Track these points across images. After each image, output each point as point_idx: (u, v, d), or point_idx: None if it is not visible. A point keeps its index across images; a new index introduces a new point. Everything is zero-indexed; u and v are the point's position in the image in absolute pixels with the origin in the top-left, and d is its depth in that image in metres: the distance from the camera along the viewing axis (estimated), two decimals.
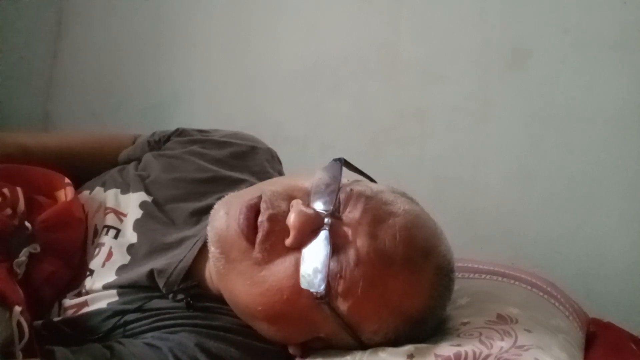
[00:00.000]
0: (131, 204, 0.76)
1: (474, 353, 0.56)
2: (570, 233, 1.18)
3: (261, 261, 0.59)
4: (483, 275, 0.79)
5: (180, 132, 0.91)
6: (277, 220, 0.59)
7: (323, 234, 0.57)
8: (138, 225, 0.74)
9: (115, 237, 0.73)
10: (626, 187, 1.15)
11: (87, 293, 0.68)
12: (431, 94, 1.28)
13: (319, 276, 0.56)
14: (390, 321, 0.59)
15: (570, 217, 1.18)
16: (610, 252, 1.15)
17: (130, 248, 0.72)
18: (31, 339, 0.55)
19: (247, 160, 0.86)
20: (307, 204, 0.60)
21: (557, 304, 0.74)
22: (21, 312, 0.55)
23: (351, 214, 0.59)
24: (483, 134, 1.25)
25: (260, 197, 0.61)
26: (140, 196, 0.77)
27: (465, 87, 1.26)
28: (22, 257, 0.64)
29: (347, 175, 0.64)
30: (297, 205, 0.59)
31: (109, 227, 0.74)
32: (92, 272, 0.70)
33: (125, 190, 0.78)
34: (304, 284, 0.56)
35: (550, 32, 1.21)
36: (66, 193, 0.74)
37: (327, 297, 0.56)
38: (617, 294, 1.12)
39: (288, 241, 0.58)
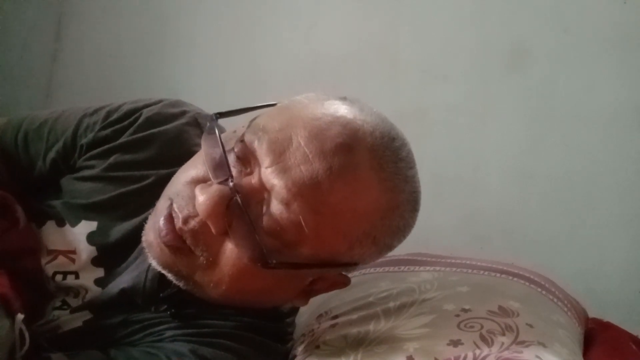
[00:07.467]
0: (77, 240, 0.65)
1: (474, 355, 0.56)
2: (570, 232, 1.18)
3: (207, 263, 0.55)
4: (482, 272, 0.79)
5: (84, 146, 0.69)
6: (193, 217, 0.54)
7: (236, 204, 0.51)
8: (98, 262, 0.65)
9: (77, 278, 0.65)
10: (626, 186, 1.16)
11: (58, 317, 0.63)
12: (431, 94, 1.28)
13: (261, 246, 0.51)
14: (357, 230, 0.54)
15: (570, 217, 1.18)
16: (610, 252, 1.15)
17: (99, 281, 0.65)
18: (30, 346, 0.54)
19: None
20: (209, 184, 0.54)
21: (555, 300, 0.75)
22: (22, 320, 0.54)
23: (255, 163, 0.53)
24: (483, 134, 1.25)
25: (171, 205, 0.56)
26: (84, 227, 0.65)
27: (465, 87, 1.26)
28: None
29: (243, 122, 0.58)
30: (197, 196, 0.53)
31: (65, 273, 0.65)
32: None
33: (61, 223, 0.66)
34: (255, 261, 0.52)
35: (549, 32, 1.22)
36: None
37: (280, 255, 0.52)
38: (617, 293, 1.12)
39: (213, 232, 0.53)
